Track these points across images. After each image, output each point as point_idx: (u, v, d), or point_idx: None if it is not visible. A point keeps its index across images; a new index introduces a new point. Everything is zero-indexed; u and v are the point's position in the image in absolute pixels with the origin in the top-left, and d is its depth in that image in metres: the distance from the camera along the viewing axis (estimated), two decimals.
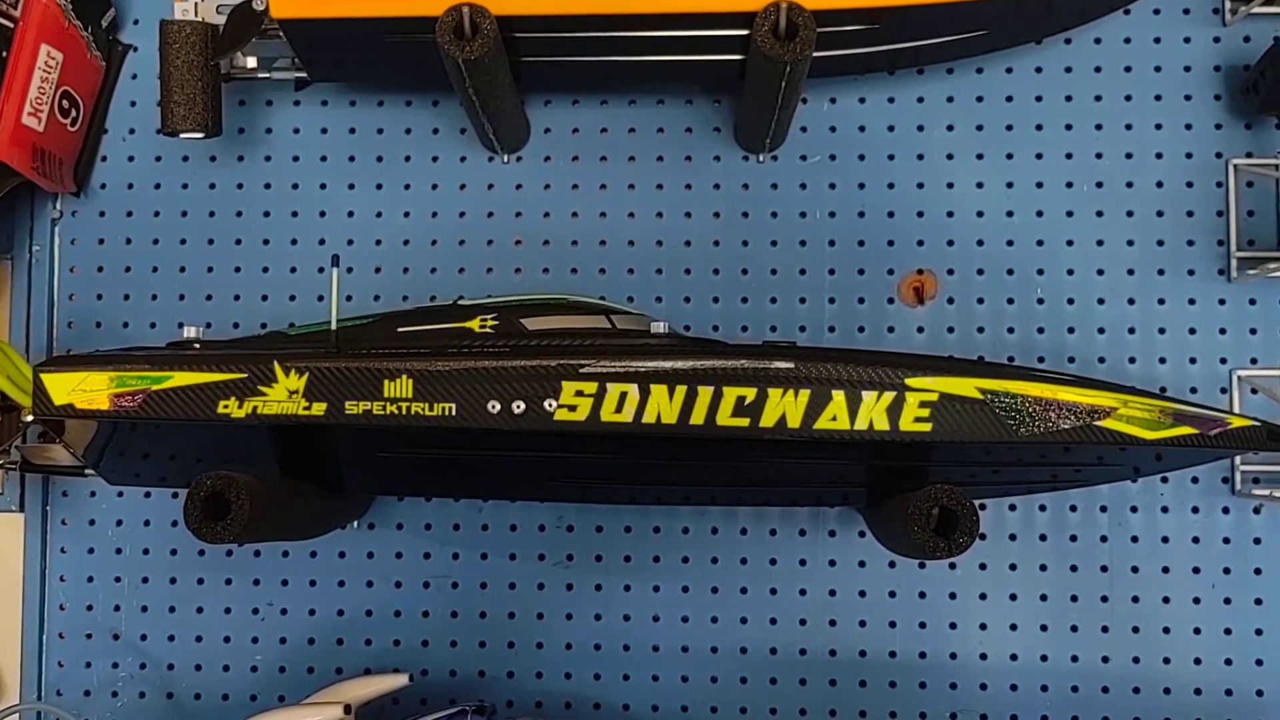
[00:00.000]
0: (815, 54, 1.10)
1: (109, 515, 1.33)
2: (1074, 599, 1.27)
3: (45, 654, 1.32)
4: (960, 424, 1.00)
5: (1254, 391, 1.27)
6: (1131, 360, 1.28)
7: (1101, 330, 1.28)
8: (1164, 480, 1.27)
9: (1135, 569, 1.27)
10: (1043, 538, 1.27)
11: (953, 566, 1.27)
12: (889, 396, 1.00)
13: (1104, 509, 1.27)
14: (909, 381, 1.00)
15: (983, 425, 1.00)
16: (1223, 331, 1.28)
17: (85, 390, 1.04)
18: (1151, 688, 1.26)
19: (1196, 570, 1.26)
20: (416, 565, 1.31)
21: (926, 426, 1.00)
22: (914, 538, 1.01)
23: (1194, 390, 1.27)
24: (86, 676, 1.32)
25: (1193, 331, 1.28)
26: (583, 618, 1.29)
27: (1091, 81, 1.30)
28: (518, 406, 1.01)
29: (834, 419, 1.00)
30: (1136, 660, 1.26)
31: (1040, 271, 1.29)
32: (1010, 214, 1.30)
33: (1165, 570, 1.27)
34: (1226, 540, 1.27)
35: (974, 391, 1.00)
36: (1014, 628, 1.27)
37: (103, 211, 1.35)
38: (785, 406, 1.00)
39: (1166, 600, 1.26)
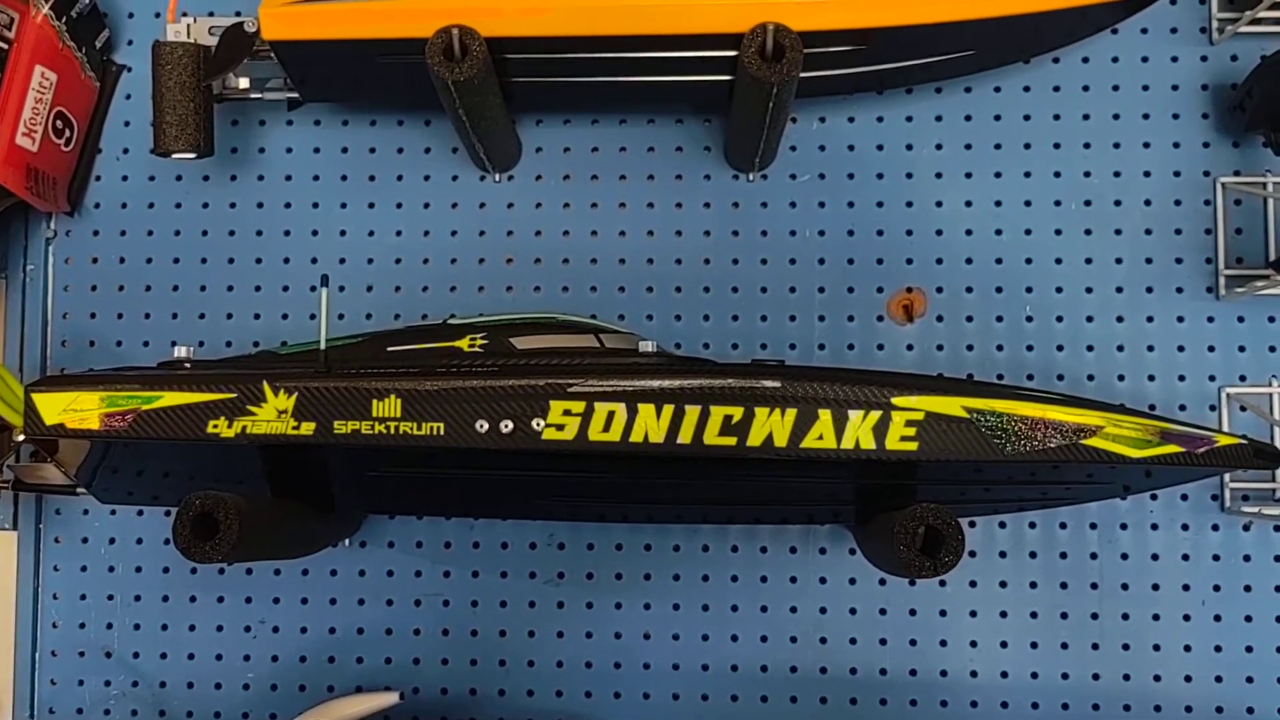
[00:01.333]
0: (804, 74, 1.11)
1: (102, 533, 1.33)
2: (1064, 616, 1.27)
3: (38, 672, 1.33)
4: (946, 443, 1.01)
5: (1242, 409, 1.27)
6: (1120, 378, 1.28)
7: (1090, 348, 1.29)
8: (1154, 498, 1.27)
9: (1125, 586, 1.27)
10: (1033, 555, 1.27)
11: (943, 584, 1.28)
12: (875, 416, 1.00)
13: (1094, 526, 1.27)
14: (895, 400, 1.00)
15: (969, 444, 1.01)
16: (1211, 349, 1.28)
17: (76, 410, 1.04)
18: (1142, 705, 1.26)
19: (1187, 587, 1.27)
20: (408, 583, 1.31)
21: (912, 445, 1.00)
22: (900, 556, 1.01)
23: (1183, 408, 1.27)
24: (79, 694, 1.32)
25: (1181, 349, 1.28)
26: (574, 635, 1.30)
27: (1079, 100, 1.31)
28: (506, 426, 1.01)
29: (820, 438, 1.00)
30: (1127, 678, 1.26)
31: (1029, 289, 1.29)
32: (999, 232, 1.30)
33: (1155, 587, 1.27)
34: (1216, 557, 1.27)
35: (960, 410, 1.01)
36: (1004, 645, 1.27)
37: (96, 231, 1.36)
38: (772, 425, 1.00)
39: (1157, 617, 1.27)
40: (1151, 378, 1.28)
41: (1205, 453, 1.07)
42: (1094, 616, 1.27)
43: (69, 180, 1.34)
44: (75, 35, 1.30)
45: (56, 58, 1.28)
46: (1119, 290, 1.29)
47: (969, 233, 1.30)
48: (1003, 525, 1.28)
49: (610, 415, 1.01)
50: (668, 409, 1.01)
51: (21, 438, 1.07)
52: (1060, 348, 1.29)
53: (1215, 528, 1.27)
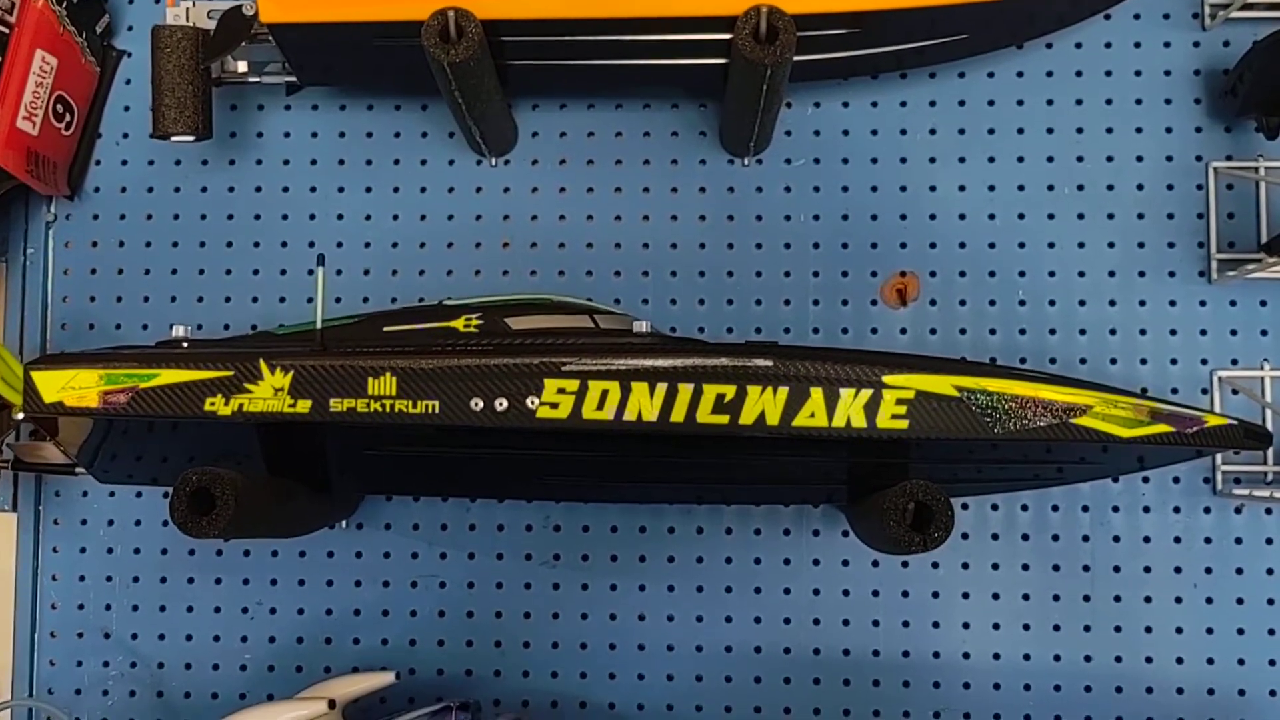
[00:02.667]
0: (798, 58, 1.12)
1: (101, 515, 1.34)
2: (1056, 598, 1.28)
3: (37, 652, 1.34)
4: (937, 421, 1.01)
5: (1235, 392, 1.28)
6: (1113, 361, 1.29)
7: (1083, 331, 1.29)
8: (1145, 480, 1.28)
9: (1117, 568, 1.28)
10: (1025, 537, 1.28)
11: (935, 566, 1.28)
12: (866, 394, 1.01)
13: (1086, 509, 1.28)
14: (886, 379, 1.01)
15: (959, 422, 1.02)
16: (1203, 333, 1.29)
17: (75, 388, 1.05)
18: (1134, 687, 1.27)
19: (1178, 570, 1.27)
20: (404, 565, 1.32)
21: (903, 424, 1.01)
22: (890, 532, 1.02)
23: (1175, 391, 1.28)
24: (78, 675, 1.33)
25: (1174, 333, 1.29)
26: (569, 617, 1.30)
27: (1072, 85, 1.31)
28: (500, 404, 1.02)
29: (812, 416, 1.01)
30: (1119, 659, 1.27)
31: (1022, 273, 1.30)
32: (992, 216, 1.31)
33: (1147, 570, 1.27)
34: (1208, 540, 1.28)
35: (950, 389, 1.02)
36: (996, 627, 1.28)
37: (96, 214, 1.37)
38: (764, 404, 1.01)
39: (1148, 600, 1.27)
40: (1144, 361, 1.29)
41: (1195, 433, 1.07)
42: (1086, 599, 1.27)
43: (69, 164, 1.35)
44: (76, 20, 1.31)
45: (57, 42, 1.29)
46: (1111, 274, 1.30)
47: (962, 217, 1.31)
48: (995, 507, 1.28)
49: (604, 394, 1.01)
50: (661, 388, 1.01)
51: (21, 416, 1.08)
52: (1053, 331, 1.29)
53: (1207, 510, 1.28)
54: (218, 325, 1.34)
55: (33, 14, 1.26)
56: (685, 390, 1.01)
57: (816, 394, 1.01)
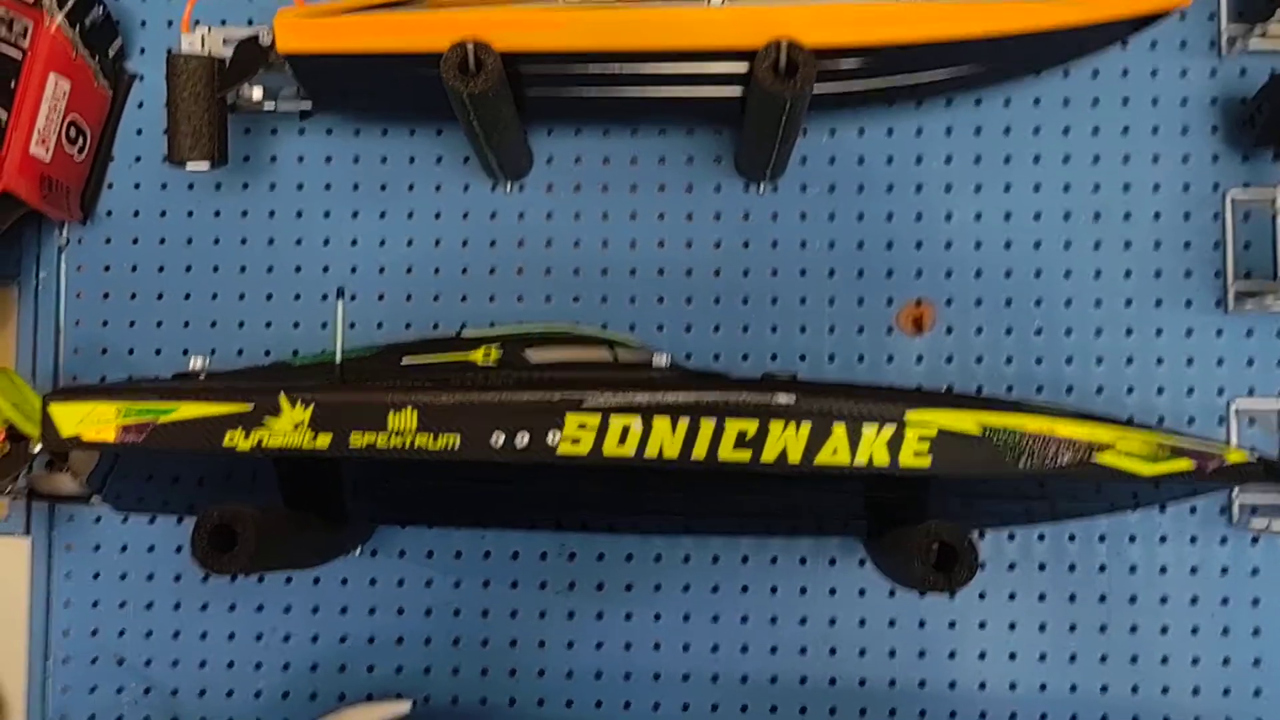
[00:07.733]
0: (815, 88, 1.11)
1: (114, 541, 1.33)
2: (1072, 628, 1.27)
3: (50, 679, 1.33)
4: (959, 459, 1.01)
5: (1251, 422, 1.28)
6: (1129, 391, 1.29)
7: (1099, 361, 1.29)
8: (1162, 510, 1.28)
9: (1133, 599, 1.27)
10: (1041, 567, 1.28)
11: (952, 595, 1.27)
12: (889, 431, 1.01)
13: (1102, 538, 1.28)
14: (909, 416, 1.01)
15: (981, 460, 1.01)
16: (1220, 363, 1.29)
17: (93, 421, 1.05)
18: (1151, 717, 1.27)
19: (1194, 600, 1.27)
20: (419, 592, 1.31)
21: (926, 461, 1.01)
22: (914, 571, 1.01)
23: (1191, 421, 1.28)
24: (91, 701, 1.33)
25: (1190, 362, 1.29)
26: (584, 645, 1.30)
27: (1089, 114, 1.31)
28: (521, 439, 1.02)
29: (834, 452, 1.01)
30: (1135, 690, 1.27)
31: (1038, 302, 1.30)
32: (1008, 245, 1.31)
33: (1163, 600, 1.27)
34: (1224, 570, 1.27)
35: (973, 427, 1.01)
36: (1013, 657, 1.28)
37: (109, 239, 1.36)
38: (786, 440, 1.01)
39: (1165, 630, 1.27)
40: (1160, 391, 1.29)
41: (1216, 469, 1.07)
42: (1102, 629, 1.27)
43: (82, 188, 1.34)
44: (88, 44, 1.30)
45: (70, 66, 1.28)
46: (1128, 303, 1.30)
47: (978, 245, 1.31)
48: (1011, 537, 1.28)
49: (625, 429, 1.01)
50: (683, 423, 1.01)
51: (39, 449, 1.07)
52: (1069, 360, 1.29)
53: (1223, 541, 1.28)
54: (231, 350, 1.33)
55: (46, 39, 1.26)
56: (707, 426, 1.01)
57: (839, 430, 1.01)
